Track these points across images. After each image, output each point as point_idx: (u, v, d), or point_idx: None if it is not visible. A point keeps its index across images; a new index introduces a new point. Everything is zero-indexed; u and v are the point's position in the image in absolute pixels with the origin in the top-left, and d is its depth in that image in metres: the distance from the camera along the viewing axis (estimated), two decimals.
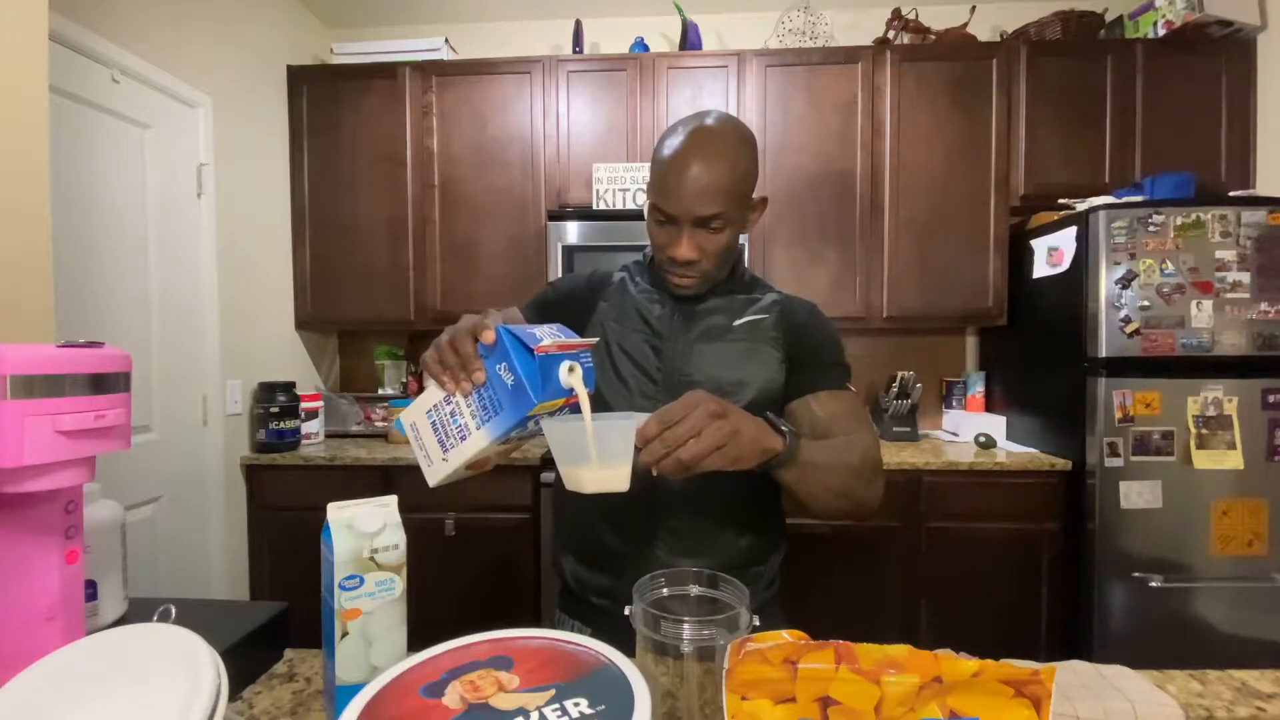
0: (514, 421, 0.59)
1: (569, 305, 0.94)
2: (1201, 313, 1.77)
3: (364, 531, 0.57)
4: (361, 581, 0.56)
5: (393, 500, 0.60)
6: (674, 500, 0.83)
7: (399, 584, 0.59)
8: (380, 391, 2.53)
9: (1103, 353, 1.80)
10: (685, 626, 0.51)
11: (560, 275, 2.18)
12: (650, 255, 0.94)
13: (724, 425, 0.61)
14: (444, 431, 0.64)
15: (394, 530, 0.58)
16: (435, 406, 0.64)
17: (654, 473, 0.61)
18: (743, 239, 2.14)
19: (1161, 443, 1.78)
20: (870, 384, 2.53)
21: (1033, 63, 2.19)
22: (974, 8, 2.38)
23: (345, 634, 0.56)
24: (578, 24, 2.43)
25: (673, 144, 0.79)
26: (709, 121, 0.80)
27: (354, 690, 0.51)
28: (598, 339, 0.76)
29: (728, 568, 0.78)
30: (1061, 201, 2.07)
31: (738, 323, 0.88)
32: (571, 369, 0.61)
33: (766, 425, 0.67)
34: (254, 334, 2.18)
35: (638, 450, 0.61)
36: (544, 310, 0.94)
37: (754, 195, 0.85)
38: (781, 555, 0.94)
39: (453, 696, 0.41)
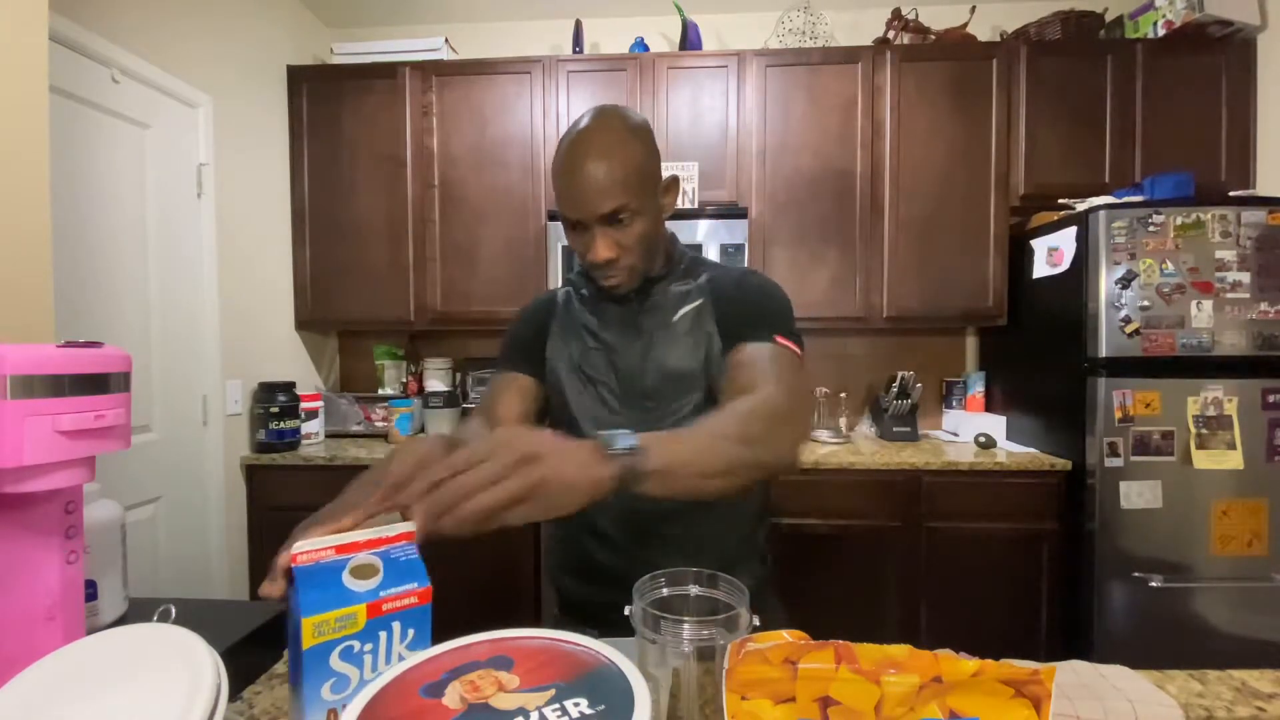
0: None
1: (535, 341, 0.95)
2: (1201, 313, 1.77)
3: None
4: None
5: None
6: (662, 508, 0.81)
7: None
8: (380, 391, 2.53)
9: (1103, 353, 1.80)
10: (685, 626, 0.51)
11: (561, 279, 2.18)
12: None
13: (531, 473, 0.50)
14: None
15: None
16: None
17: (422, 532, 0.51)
18: (749, 232, 2.15)
19: (1161, 443, 1.78)
20: (870, 384, 2.53)
21: (1033, 63, 2.19)
22: (974, 8, 2.38)
23: None
24: (578, 24, 2.43)
25: (562, 151, 0.79)
26: (590, 121, 0.80)
27: None
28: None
29: (724, 564, 0.77)
30: (1061, 201, 2.07)
31: (677, 316, 0.87)
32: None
33: (597, 454, 0.56)
34: (254, 334, 2.18)
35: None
36: (525, 354, 0.95)
37: (663, 177, 0.84)
38: (767, 530, 0.95)
39: (453, 696, 0.41)
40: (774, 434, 0.69)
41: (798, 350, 0.83)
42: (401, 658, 0.49)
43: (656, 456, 0.59)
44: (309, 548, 0.47)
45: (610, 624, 0.84)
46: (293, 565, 0.47)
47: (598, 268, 0.82)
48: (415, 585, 0.49)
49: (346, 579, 0.47)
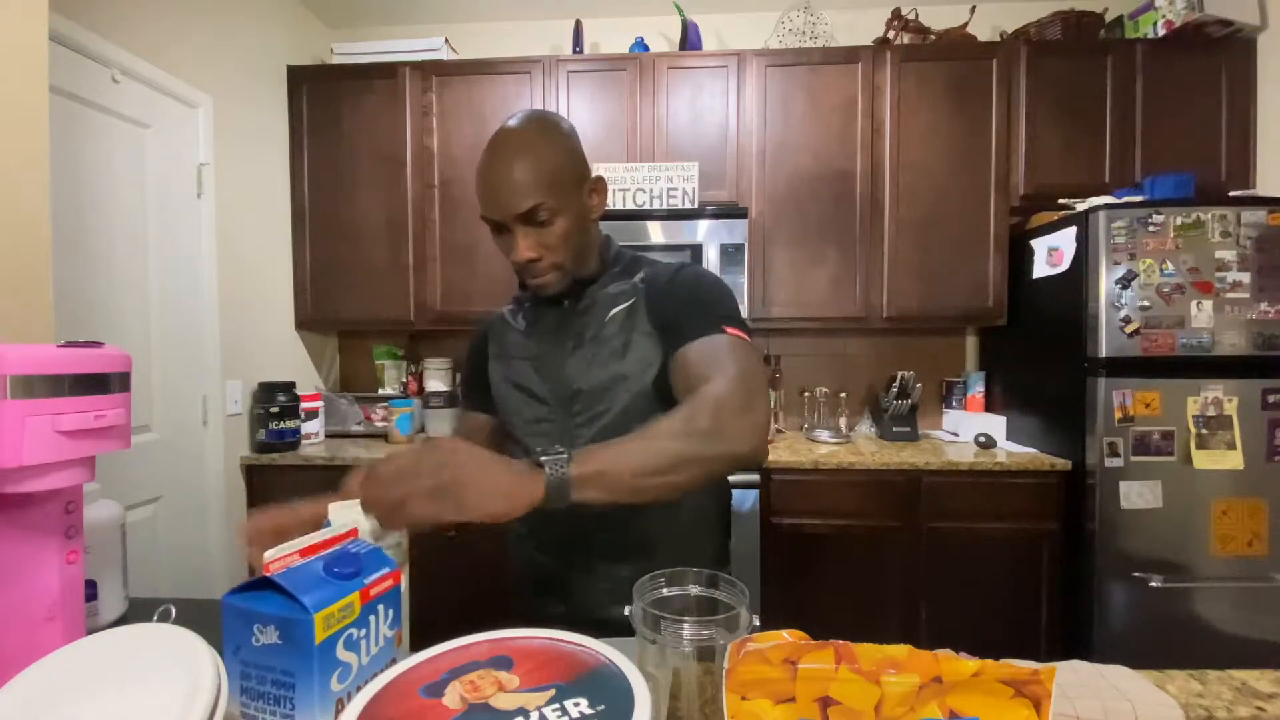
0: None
1: (479, 369, 0.97)
2: (1201, 313, 1.77)
3: (368, 528, 0.58)
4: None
5: None
6: (600, 512, 0.72)
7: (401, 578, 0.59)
8: (380, 391, 2.53)
9: (1103, 353, 1.80)
10: (685, 626, 0.51)
11: None
12: None
13: (441, 474, 0.57)
14: None
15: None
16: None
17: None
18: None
19: (1161, 443, 1.78)
20: (870, 384, 2.53)
21: (1033, 63, 2.19)
22: (974, 8, 2.38)
23: None
24: (578, 24, 2.43)
25: (483, 156, 0.81)
26: (509, 123, 0.81)
27: None
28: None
29: (666, 562, 0.76)
30: (1061, 201, 2.07)
31: (609, 316, 0.86)
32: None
33: (525, 466, 0.60)
34: (254, 334, 2.18)
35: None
36: (473, 386, 0.99)
37: (588, 176, 0.84)
38: (725, 536, 0.96)
39: (453, 696, 0.41)
40: (725, 425, 0.67)
41: (744, 335, 0.79)
42: (387, 638, 0.52)
43: (586, 462, 0.61)
44: (277, 555, 0.49)
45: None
46: (269, 574, 0.48)
47: (523, 269, 0.82)
48: (388, 569, 0.54)
49: (325, 575, 0.50)
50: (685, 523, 0.87)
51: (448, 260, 2.34)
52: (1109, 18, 2.35)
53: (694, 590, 0.59)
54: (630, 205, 2.20)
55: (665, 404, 0.77)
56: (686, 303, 0.82)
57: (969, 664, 0.40)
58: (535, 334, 0.90)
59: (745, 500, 1.93)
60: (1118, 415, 1.78)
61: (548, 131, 0.80)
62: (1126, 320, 1.79)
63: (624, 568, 0.82)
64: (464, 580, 2.02)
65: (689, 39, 2.38)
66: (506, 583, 0.99)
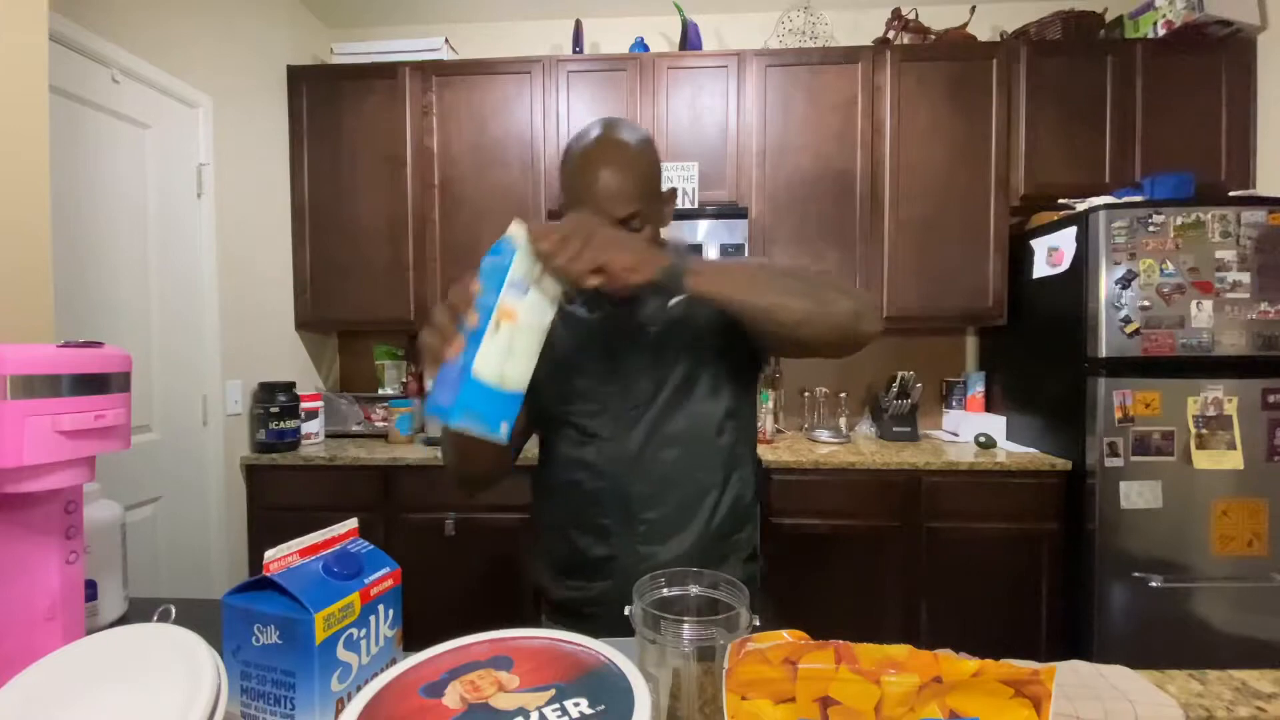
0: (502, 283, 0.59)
1: None
2: (1201, 313, 1.77)
3: (536, 261, 0.61)
4: (527, 292, 0.60)
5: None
6: (642, 492, 0.86)
7: (550, 314, 0.64)
8: (380, 391, 2.53)
9: (1103, 353, 1.80)
10: (685, 626, 0.51)
11: None
12: None
13: (597, 253, 0.64)
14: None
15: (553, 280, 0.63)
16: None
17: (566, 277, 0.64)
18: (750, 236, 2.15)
19: (1161, 443, 1.78)
20: (870, 384, 2.53)
21: (1033, 63, 2.19)
22: (974, 8, 2.38)
23: (498, 329, 0.57)
24: (578, 24, 2.43)
25: (579, 156, 0.82)
26: (604, 131, 0.84)
27: (480, 386, 0.54)
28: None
29: (706, 544, 0.85)
30: (1061, 201, 2.07)
31: (672, 303, 0.88)
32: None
33: (651, 247, 0.71)
34: (254, 334, 2.18)
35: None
36: None
37: (662, 189, 0.88)
38: (755, 528, 0.97)
39: (453, 696, 0.41)
40: (830, 291, 0.75)
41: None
42: (387, 638, 0.52)
43: (701, 262, 0.73)
44: (277, 556, 0.49)
45: (592, 620, 0.84)
46: (269, 574, 0.48)
47: None
48: (388, 569, 0.54)
49: (325, 575, 0.50)
50: (725, 514, 0.89)
51: (448, 260, 2.34)
52: (1109, 18, 2.35)
53: (694, 590, 0.59)
54: None
55: (717, 403, 0.88)
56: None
57: (969, 664, 0.40)
58: (596, 321, 0.91)
59: None
60: (1118, 415, 1.78)
61: (647, 144, 0.85)
62: (1126, 320, 1.79)
63: (664, 550, 0.85)
64: (464, 580, 2.02)
65: (689, 39, 2.38)
66: (523, 579, 0.99)
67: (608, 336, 0.90)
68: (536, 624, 0.92)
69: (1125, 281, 1.79)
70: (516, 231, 0.62)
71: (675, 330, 0.88)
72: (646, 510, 0.87)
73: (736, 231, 2.16)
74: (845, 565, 1.97)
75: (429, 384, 0.65)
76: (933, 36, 2.33)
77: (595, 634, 0.80)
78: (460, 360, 0.57)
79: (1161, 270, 1.78)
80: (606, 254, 0.64)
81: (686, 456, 0.87)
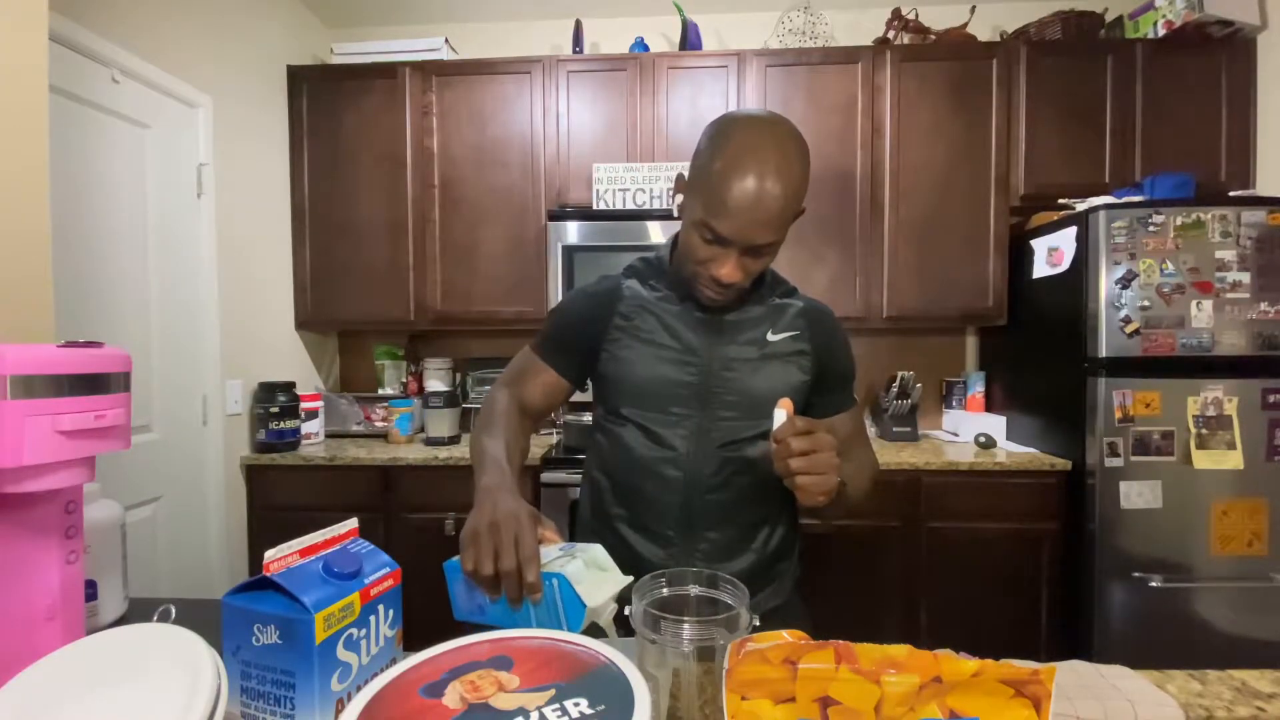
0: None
1: (585, 330, 0.91)
2: (1201, 313, 1.77)
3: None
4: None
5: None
6: (711, 511, 0.87)
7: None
8: (380, 391, 2.53)
9: (1103, 353, 1.80)
10: (685, 626, 0.51)
11: (562, 279, 2.18)
12: (663, 257, 0.92)
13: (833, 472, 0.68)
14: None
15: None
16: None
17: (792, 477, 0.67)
18: None
19: (1161, 443, 1.78)
20: (870, 384, 2.53)
21: (1033, 63, 2.19)
22: (974, 8, 2.38)
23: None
24: (578, 24, 2.43)
25: (734, 159, 0.71)
26: (769, 136, 0.72)
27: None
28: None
29: (757, 570, 0.88)
30: (1061, 201, 2.07)
31: (772, 337, 0.87)
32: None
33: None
34: (254, 334, 2.18)
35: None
36: (564, 347, 0.93)
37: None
38: (799, 554, 1.01)
39: (453, 696, 0.41)
40: (875, 492, 0.94)
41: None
42: (387, 638, 0.52)
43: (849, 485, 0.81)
44: (277, 556, 0.49)
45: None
46: (269, 574, 0.48)
47: (712, 281, 0.78)
48: (388, 569, 0.54)
49: (325, 575, 0.50)
50: (778, 543, 0.95)
51: (448, 260, 2.34)
52: (1109, 18, 2.35)
53: (694, 590, 0.59)
54: (630, 205, 2.20)
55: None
56: (846, 368, 0.96)
57: (969, 664, 0.40)
58: (687, 329, 0.87)
59: None
60: (1118, 415, 1.78)
61: (803, 157, 0.75)
62: (1126, 320, 1.79)
63: (720, 570, 0.84)
64: None
65: (689, 39, 2.38)
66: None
67: (704, 358, 0.86)
68: None
69: (1125, 281, 1.78)
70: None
71: (768, 362, 0.87)
72: (712, 530, 0.87)
73: None
74: (845, 565, 1.97)
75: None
76: (933, 36, 2.33)
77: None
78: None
79: (1161, 270, 1.78)
80: (834, 479, 0.68)
81: (758, 485, 0.88)
